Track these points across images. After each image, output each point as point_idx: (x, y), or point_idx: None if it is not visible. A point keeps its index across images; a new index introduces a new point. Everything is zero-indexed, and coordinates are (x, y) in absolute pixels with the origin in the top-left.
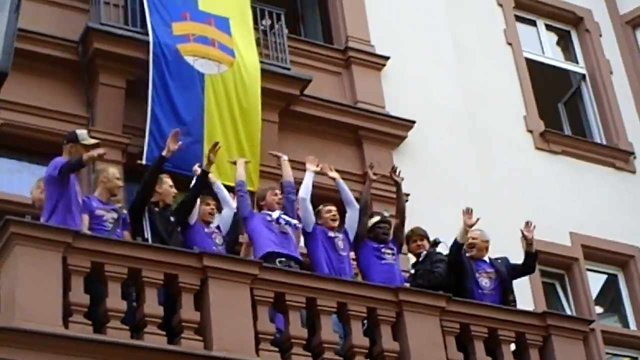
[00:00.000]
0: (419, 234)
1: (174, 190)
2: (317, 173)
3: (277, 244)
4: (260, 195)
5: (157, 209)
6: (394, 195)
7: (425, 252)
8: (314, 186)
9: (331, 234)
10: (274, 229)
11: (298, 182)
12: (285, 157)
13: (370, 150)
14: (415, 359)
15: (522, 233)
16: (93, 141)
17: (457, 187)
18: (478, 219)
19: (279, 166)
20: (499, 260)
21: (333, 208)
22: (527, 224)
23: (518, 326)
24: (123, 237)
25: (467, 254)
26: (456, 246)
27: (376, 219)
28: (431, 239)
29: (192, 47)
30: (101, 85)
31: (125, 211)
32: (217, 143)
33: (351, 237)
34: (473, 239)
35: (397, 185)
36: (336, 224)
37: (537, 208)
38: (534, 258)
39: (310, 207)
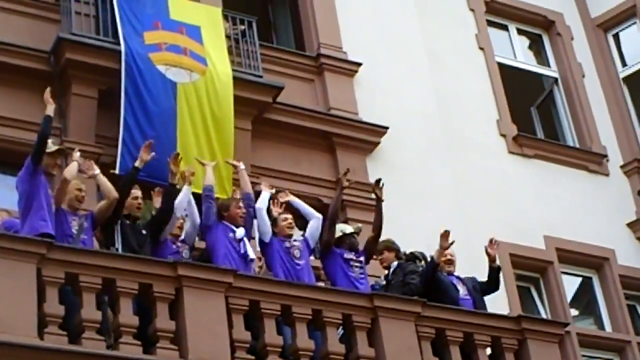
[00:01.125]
0: (376, 250)
1: (137, 202)
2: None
3: (237, 266)
4: (224, 205)
5: (127, 222)
6: (367, 202)
7: (396, 264)
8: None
9: (287, 243)
10: (235, 248)
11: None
12: (242, 166)
13: (344, 157)
14: None
15: (486, 250)
16: (55, 147)
17: (430, 191)
18: (453, 242)
19: (252, 174)
20: (468, 278)
21: (289, 216)
22: (491, 241)
23: (493, 330)
24: (93, 244)
25: (445, 271)
26: (432, 265)
27: (350, 229)
28: (405, 243)
29: (164, 56)
30: (73, 96)
31: (88, 212)
32: (178, 154)
33: (312, 245)
34: (451, 255)
35: (378, 199)
36: (292, 231)
37: (511, 212)
38: (497, 273)
39: (266, 217)
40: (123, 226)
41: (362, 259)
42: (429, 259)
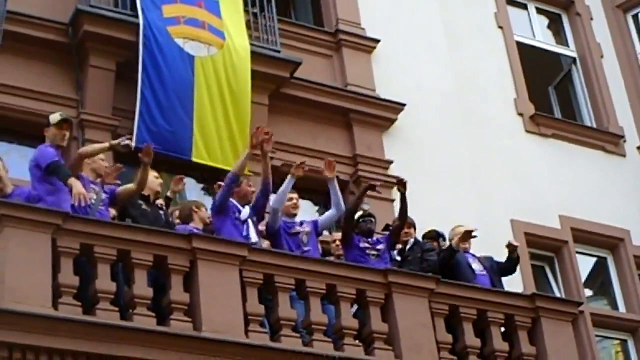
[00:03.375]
0: (406, 222)
1: (159, 180)
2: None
3: None
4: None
5: (141, 203)
6: (384, 179)
7: (413, 240)
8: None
9: (294, 229)
10: (239, 229)
11: (289, 165)
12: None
13: (360, 133)
14: (404, 341)
15: (509, 242)
16: (58, 118)
17: (447, 169)
18: (475, 236)
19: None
20: (484, 258)
21: (294, 195)
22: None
23: (507, 308)
24: (109, 216)
25: (461, 248)
26: (451, 251)
27: (359, 213)
28: (421, 221)
29: (182, 30)
30: (91, 68)
31: (111, 187)
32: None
33: (319, 230)
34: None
35: (402, 194)
36: (297, 211)
37: (527, 191)
38: (515, 262)
39: (280, 216)
40: (135, 208)
41: (380, 246)
42: (445, 239)
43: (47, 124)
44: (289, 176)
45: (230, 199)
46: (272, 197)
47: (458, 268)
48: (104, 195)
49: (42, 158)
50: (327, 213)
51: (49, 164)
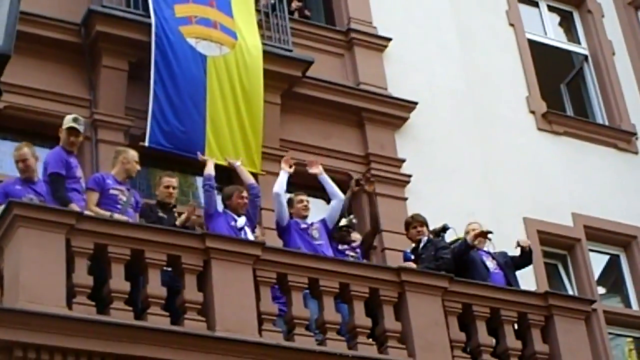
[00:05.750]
0: (419, 221)
1: (168, 190)
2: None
3: None
4: (227, 194)
5: (160, 212)
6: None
7: (426, 238)
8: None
9: (304, 224)
10: (237, 236)
11: (302, 164)
12: (238, 163)
13: (373, 132)
14: (418, 339)
15: (518, 243)
16: (69, 123)
17: (459, 168)
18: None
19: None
20: (498, 253)
21: (305, 198)
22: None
23: (520, 306)
24: (135, 219)
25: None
26: (466, 247)
27: (344, 222)
28: (434, 219)
29: (194, 29)
30: (103, 68)
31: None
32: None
33: (330, 226)
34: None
35: (369, 195)
36: (308, 213)
37: (540, 189)
38: (529, 255)
39: (284, 202)
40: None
41: (358, 250)
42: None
43: (59, 125)
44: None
45: (225, 210)
46: (275, 186)
47: (472, 266)
48: (133, 199)
49: (49, 162)
50: (330, 206)
51: (51, 174)
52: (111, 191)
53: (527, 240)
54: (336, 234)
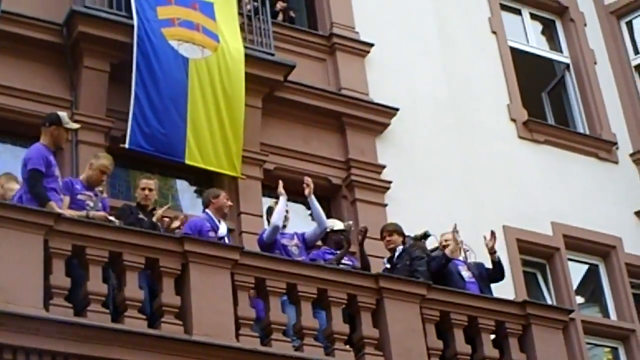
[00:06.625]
0: (387, 230)
1: (144, 192)
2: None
3: None
4: (215, 193)
5: (140, 214)
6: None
7: (401, 248)
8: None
9: (284, 241)
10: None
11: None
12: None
13: (354, 137)
14: (395, 346)
15: (485, 239)
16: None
17: (440, 174)
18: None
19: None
20: (474, 264)
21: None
22: (492, 233)
23: (498, 315)
24: None
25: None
26: (445, 260)
27: (339, 226)
28: (414, 226)
29: (176, 32)
30: (85, 69)
31: (105, 195)
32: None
33: (309, 245)
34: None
35: (360, 244)
36: (288, 223)
37: (519, 197)
38: (498, 266)
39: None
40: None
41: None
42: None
43: (40, 125)
44: (280, 197)
45: (207, 211)
46: (273, 216)
47: (449, 276)
48: (100, 205)
49: (31, 158)
50: (312, 230)
51: (32, 170)
52: (79, 196)
53: (492, 240)
54: (334, 236)
